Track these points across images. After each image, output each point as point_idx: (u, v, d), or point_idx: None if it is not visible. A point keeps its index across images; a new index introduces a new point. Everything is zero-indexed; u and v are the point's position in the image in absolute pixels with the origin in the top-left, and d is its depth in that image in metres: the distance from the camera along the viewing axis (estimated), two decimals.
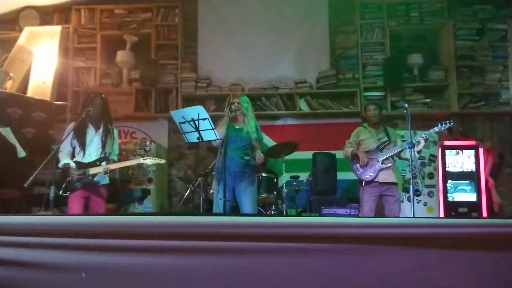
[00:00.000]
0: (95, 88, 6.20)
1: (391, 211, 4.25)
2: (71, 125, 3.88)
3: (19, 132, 4.72)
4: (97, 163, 3.84)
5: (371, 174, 4.29)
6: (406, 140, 4.30)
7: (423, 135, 4.10)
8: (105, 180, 3.98)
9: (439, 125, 4.09)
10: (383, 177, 4.29)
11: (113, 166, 3.88)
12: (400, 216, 4.70)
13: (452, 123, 4.08)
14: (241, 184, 4.01)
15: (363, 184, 4.33)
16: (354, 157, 4.41)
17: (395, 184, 4.37)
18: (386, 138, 4.41)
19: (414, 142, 4.07)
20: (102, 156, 3.88)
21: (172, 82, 6.35)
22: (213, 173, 4.71)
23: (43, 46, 5.96)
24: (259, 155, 4.01)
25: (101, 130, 3.95)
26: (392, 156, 4.34)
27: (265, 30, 6.48)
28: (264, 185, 5.02)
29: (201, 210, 5.10)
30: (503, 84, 6.08)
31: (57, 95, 5.92)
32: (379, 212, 4.43)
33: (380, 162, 4.29)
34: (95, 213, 3.81)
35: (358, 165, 4.36)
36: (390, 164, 4.33)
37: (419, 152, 4.18)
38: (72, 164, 3.78)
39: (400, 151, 4.30)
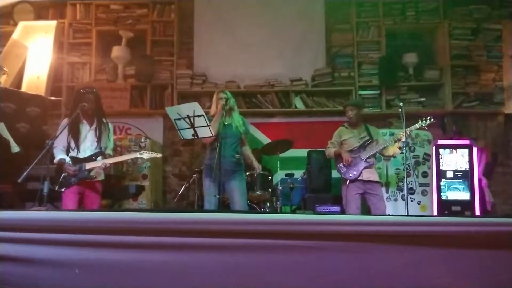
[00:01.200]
0: (89, 83, 6.17)
1: (377, 209, 4.30)
2: (65, 120, 3.86)
3: (13, 127, 4.68)
4: (93, 158, 3.83)
5: (355, 172, 4.36)
6: (390, 138, 4.40)
7: (404, 131, 4.16)
8: (101, 176, 3.97)
9: (420, 122, 4.21)
10: (367, 175, 4.37)
11: (110, 161, 3.86)
12: (394, 214, 4.74)
13: (432, 120, 4.20)
14: (232, 182, 4.01)
15: (347, 183, 4.37)
16: (338, 157, 4.47)
17: (378, 182, 4.43)
18: (368, 137, 4.46)
19: (395, 139, 4.22)
20: (97, 151, 3.87)
21: (168, 78, 6.34)
22: (201, 168, 4.72)
23: (37, 40, 5.92)
24: (258, 167, 4.19)
25: (95, 125, 3.94)
26: (373, 155, 4.40)
27: (261, 27, 6.47)
28: (259, 182, 5.03)
29: (195, 207, 5.10)
30: (497, 84, 6.11)
31: (52, 90, 5.89)
32: (366, 211, 4.48)
33: (364, 160, 4.35)
34: (89, 209, 3.80)
35: (342, 165, 4.42)
36: (373, 162, 4.40)
37: (400, 148, 4.24)
38: (68, 160, 3.77)
39: (383, 149, 4.35)
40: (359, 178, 4.35)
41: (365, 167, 4.36)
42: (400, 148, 4.24)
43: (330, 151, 4.55)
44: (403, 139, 4.15)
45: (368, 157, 4.37)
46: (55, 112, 5.69)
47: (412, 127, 4.23)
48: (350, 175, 4.36)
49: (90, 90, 3.95)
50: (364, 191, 4.37)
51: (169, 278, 1.96)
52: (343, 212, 4.75)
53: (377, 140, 4.48)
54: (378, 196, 4.36)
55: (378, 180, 4.46)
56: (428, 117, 4.20)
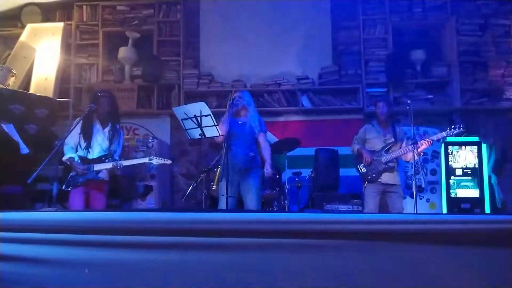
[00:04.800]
0: (98, 84, 6.21)
1: (394, 207, 4.24)
2: (78, 119, 3.89)
3: (21, 129, 4.72)
4: (103, 159, 3.86)
5: (374, 175, 4.27)
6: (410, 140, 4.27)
7: (429, 139, 4.05)
8: (107, 177, 4.00)
9: (448, 130, 4.06)
10: (386, 178, 4.27)
11: (125, 163, 3.89)
12: (403, 212, 4.70)
13: (462, 129, 4.02)
14: (246, 181, 4.00)
15: (366, 184, 4.32)
16: (359, 156, 4.40)
17: (398, 185, 4.35)
18: (392, 139, 4.37)
19: (416, 145, 4.06)
20: (107, 153, 3.90)
21: (174, 78, 6.35)
22: (215, 169, 4.73)
23: (45, 42, 5.98)
24: (267, 170, 4.06)
25: (108, 128, 3.97)
26: (396, 159, 4.32)
27: (267, 26, 6.46)
28: (267, 182, 5.01)
29: (203, 206, 5.11)
30: (506, 80, 6.05)
31: (60, 91, 5.95)
32: (383, 210, 4.43)
33: (384, 164, 4.27)
34: (98, 209, 3.82)
35: (361, 165, 4.34)
36: (393, 166, 4.31)
37: (418, 154, 4.13)
38: (77, 158, 3.80)
39: (405, 153, 4.25)
40: (378, 180, 4.29)
41: (386, 170, 4.28)
42: (418, 154, 4.12)
43: (354, 147, 4.47)
44: (423, 147, 4.06)
45: (389, 161, 4.28)
46: (63, 113, 5.72)
47: (439, 135, 4.10)
48: (369, 177, 4.29)
49: (106, 93, 4.00)
50: (383, 190, 4.32)
51: (177, 277, 1.97)
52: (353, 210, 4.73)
53: (401, 143, 4.37)
54: (396, 194, 4.29)
55: (398, 183, 4.35)
56: (458, 126, 4.02)
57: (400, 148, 4.31)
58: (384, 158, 4.27)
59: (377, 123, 4.51)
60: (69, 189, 3.76)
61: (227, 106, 4.05)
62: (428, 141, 4.06)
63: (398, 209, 4.22)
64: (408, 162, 4.43)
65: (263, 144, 4.19)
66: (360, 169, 4.35)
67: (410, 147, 4.16)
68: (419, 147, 4.06)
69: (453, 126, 4.06)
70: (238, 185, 4.00)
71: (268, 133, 6.12)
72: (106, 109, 3.92)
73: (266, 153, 4.17)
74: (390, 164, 4.27)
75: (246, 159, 3.99)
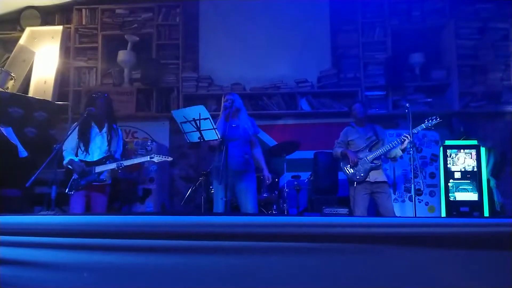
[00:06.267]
0: (96, 87, 6.21)
1: (386, 209, 4.25)
2: (75, 124, 3.89)
3: (20, 132, 4.72)
4: (103, 160, 3.86)
5: (362, 174, 4.30)
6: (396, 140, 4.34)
7: (408, 133, 4.12)
8: (109, 179, 3.99)
9: (426, 122, 4.14)
10: (374, 176, 4.32)
11: (126, 162, 3.89)
12: (401, 216, 4.71)
13: (439, 120, 4.12)
14: (241, 183, 3.99)
15: (355, 184, 4.34)
16: (344, 158, 4.43)
17: (385, 182, 4.39)
18: (374, 137, 4.43)
19: (398, 140, 4.18)
20: (108, 154, 3.89)
21: (173, 81, 6.36)
22: (209, 170, 4.73)
23: (44, 46, 5.98)
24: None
25: (105, 129, 3.97)
26: (380, 156, 4.36)
27: (266, 29, 6.46)
28: (266, 185, 5.01)
29: (202, 210, 5.11)
30: (505, 83, 6.06)
31: (59, 94, 5.94)
32: (374, 211, 4.45)
33: (370, 162, 4.30)
34: (97, 212, 3.82)
35: (348, 166, 4.37)
36: (380, 163, 4.36)
37: (403, 150, 4.21)
38: (76, 159, 3.80)
39: (389, 150, 4.31)
40: (366, 180, 4.32)
41: (372, 168, 4.32)
42: (403, 150, 4.21)
43: (337, 151, 4.52)
44: (406, 142, 4.11)
45: (375, 159, 4.34)
46: (62, 116, 5.72)
47: (418, 127, 4.18)
48: (357, 177, 4.32)
49: (101, 94, 3.99)
50: (371, 191, 4.34)
51: (176, 281, 1.96)
52: (350, 213, 4.73)
53: (383, 140, 4.45)
54: (386, 195, 4.32)
55: (385, 180, 4.41)
56: (434, 117, 4.14)
57: (383, 145, 4.37)
58: (369, 157, 4.31)
59: (356, 125, 4.57)
60: (72, 193, 3.75)
61: (221, 109, 4.06)
62: (409, 134, 4.11)
63: (388, 209, 4.24)
64: (393, 158, 4.47)
65: (256, 148, 4.21)
66: (348, 170, 4.38)
67: (393, 142, 4.26)
68: (403, 141, 4.14)
69: (429, 118, 4.16)
70: (233, 188, 4.00)
71: (267, 136, 6.17)
72: (102, 110, 3.91)
73: (260, 158, 4.22)
74: (375, 161, 4.32)
75: (241, 162, 3.99)
